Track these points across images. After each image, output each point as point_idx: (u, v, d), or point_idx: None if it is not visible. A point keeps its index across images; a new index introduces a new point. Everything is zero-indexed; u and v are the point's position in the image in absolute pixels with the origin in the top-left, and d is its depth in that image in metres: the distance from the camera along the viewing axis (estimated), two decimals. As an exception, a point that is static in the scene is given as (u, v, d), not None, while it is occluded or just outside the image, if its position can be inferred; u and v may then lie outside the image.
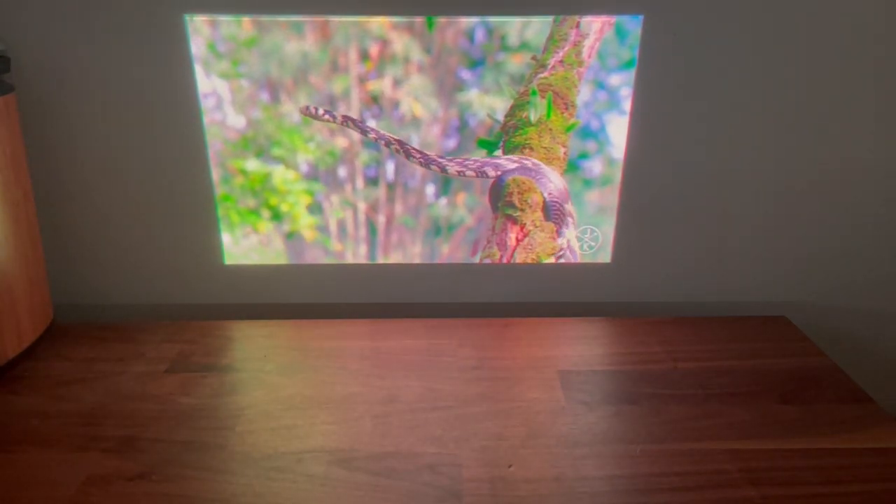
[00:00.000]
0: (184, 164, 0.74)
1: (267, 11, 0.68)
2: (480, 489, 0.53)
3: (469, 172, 0.68)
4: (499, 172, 0.70)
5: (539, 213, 0.76)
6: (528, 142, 0.73)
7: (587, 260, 0.78)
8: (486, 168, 0.69)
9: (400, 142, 0.66)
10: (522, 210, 0.76)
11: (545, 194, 0.72)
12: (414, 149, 0.68)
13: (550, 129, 0.73)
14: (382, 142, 0.67)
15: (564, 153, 0.74)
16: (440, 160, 0.68)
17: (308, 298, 0.81)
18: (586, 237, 0.77)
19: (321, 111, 0.66)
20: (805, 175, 0.76)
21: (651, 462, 0.56)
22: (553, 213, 0.73)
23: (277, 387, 0.65)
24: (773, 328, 0.77)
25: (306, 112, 0.66)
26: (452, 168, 0.66)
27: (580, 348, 0.72)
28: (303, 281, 0.80)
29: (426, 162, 0.67)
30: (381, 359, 0.70)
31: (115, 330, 0.75)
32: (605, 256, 0.78)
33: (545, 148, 0.73)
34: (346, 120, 0.66)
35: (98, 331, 0.75)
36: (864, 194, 0.77)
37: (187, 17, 0.68)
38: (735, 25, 0.70)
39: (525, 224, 0.76)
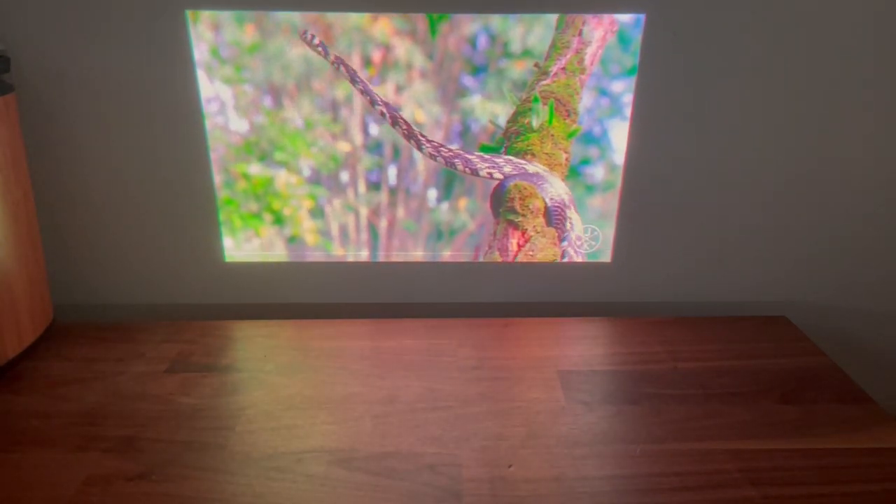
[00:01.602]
0: (184, 163, 0.74)
1: (265, 7, 0.68)
2: (480, 489, 0.53)
3: (440, 158, 0.68)
4: (467, 169, 0.70)
5: (541, 219, 0.76)
6: (529, 148, 0.73)
7: (587, 260, 0.78)
8: (456, 160, 0.69)
9: (387, 105, 0.66)
10: (524, 215, 0.76)
11: (547, 200, 0.72)
12: (402, 118, 0.68)
13: (552, 136, 0.73)
14: (368, 98, 0.67)
15: (566, 159, 0.74)
16: (421, 137, 0.68)
17: (308, 298, 0.81)
18: (587, 237, 0.77)
19: (317, 40, 0.66)
20: (805, 175, 0.76)
21: (651, 462, 0.56)
22: (555, 219, 0.73)
23: (277, 387, 0.65)
24: (773, 328, 0.77)
25: (303, 37, 0.66)
26: (427, 148, 0.66)
27: (580, 348, 0.72)
28: (303, 280, 0.80)
29: (409, 135, 0.67)
30: (382, 359, 0.70)
31: (115, 330, 0.75)
32: (606, 257, 0.78)
33: (547, 154, 0.73)
34: (338, 61, 0.66)
35: (98, 331, 0.75)
36: (864, 195, 0.77)
37: (188, 13, 0.68)
38: (736, 27, 0.70)
39: (526, 229, 0.76)
